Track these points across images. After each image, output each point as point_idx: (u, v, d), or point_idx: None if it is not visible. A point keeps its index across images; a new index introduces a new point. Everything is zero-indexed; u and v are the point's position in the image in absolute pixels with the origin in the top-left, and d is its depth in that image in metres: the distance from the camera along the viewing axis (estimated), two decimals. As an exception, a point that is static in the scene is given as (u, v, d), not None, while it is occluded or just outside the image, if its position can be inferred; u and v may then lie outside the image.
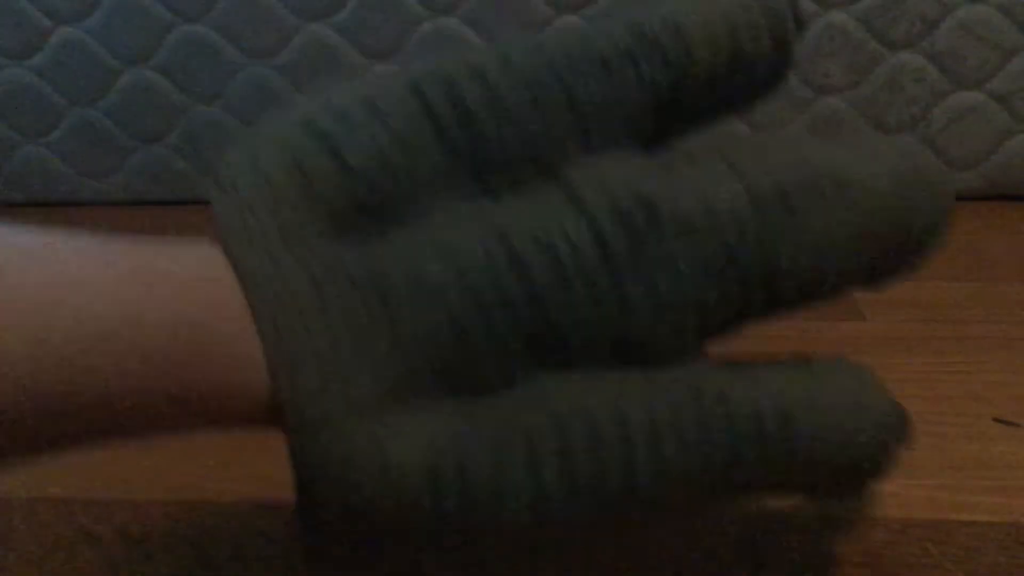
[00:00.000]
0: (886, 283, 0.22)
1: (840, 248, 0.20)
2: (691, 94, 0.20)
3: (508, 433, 0.18)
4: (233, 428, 0.18)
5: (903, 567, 0.23)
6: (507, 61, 0.19)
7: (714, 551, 0.24)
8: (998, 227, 0.48)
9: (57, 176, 0.57)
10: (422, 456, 0.18)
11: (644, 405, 0.19)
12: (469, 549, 0.19)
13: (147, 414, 0.17)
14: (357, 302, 0.18)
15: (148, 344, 0.16)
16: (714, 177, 0.19)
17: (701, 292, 0.19)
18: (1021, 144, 0.50)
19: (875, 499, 0.26)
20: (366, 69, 0.52)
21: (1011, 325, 0.36)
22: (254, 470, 0.27)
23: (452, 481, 0.18)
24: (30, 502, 0.27)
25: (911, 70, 0.49)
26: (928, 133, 0.50)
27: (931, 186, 0.21)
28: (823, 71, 0.50)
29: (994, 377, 0.32)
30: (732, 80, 0.21)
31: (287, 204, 0.18)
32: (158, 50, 0.53)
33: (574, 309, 0.18)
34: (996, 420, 0.30)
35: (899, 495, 0.26)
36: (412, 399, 0.18)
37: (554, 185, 0.19)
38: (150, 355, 0.16)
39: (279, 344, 0.17)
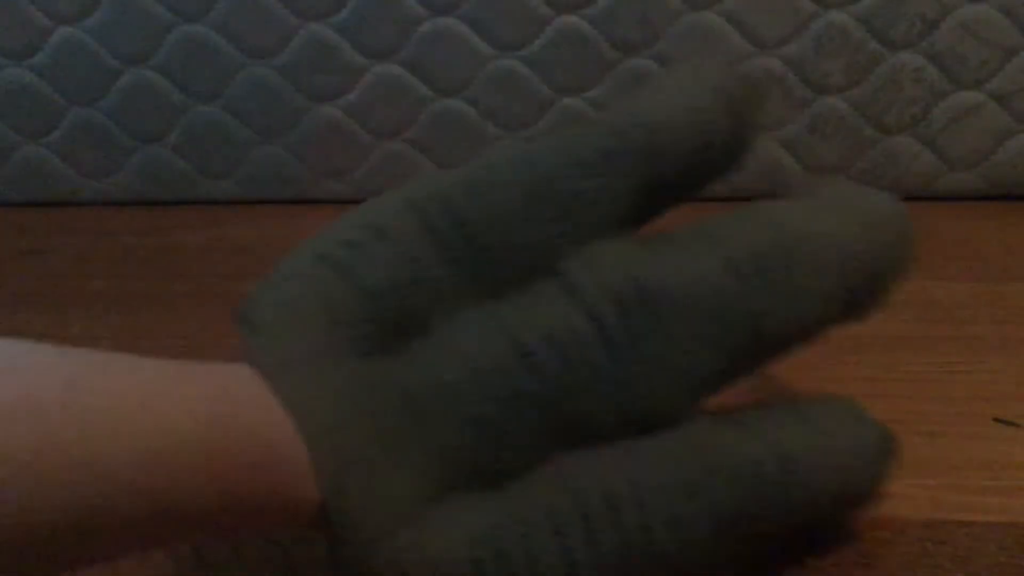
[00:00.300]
0: (860, 318, 0.24)
1: (816, 301, 0.22)
2: (665, 181, 0.22)
3: (536, 514, 0.19)
4: (280, 530, 0.19)
5: (903, 567, 0.23)
6: (498, 174, 0.21)
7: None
8: (998, 227, 0.48)
9: (57, 176, 0.57)
10: (464, 550, 0.19)
11: (654, 468, 0.20)
12: None
13: (213, 518, 0.17)
14: (388, 415, 0.19)
15: (226, 456, 0.17)
16: (696, 251, 0.21)
17: (694, 361, 0.21)
18: (1021, 144, 0.50)
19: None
20: (366, 69, 0.52)
21: (1011, 325, 0.36)
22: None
23: (494, 568, 0.19)
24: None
25: (911, 70, 0.49)
26: (928, 133, 0.50)
27: (894, 233, 0.23)
28: (823, 71, 0.50)
29: (994, 377, 0.32)
30: (702, 163, 0.23)
31: (315, 331, 0.19)
32: (158, 50, 0.53)
33: (582, 393, 0.20)
34: (996, 420, 0.30)
35: (899, 495, 0.26)
36: (446, 496, 0.19)
37: (552, 279, 0.21)
38: (228, 464, 0.17)
39: (325, 462, 0.18)
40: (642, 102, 0.23)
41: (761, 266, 0.21)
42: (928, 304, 0.38)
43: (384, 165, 0.54)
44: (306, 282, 0.19)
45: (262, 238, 0.51)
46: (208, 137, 0.55)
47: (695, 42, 0.50)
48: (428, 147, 0.54)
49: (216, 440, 0.17)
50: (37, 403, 0.15)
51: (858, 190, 0.24)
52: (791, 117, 0.51)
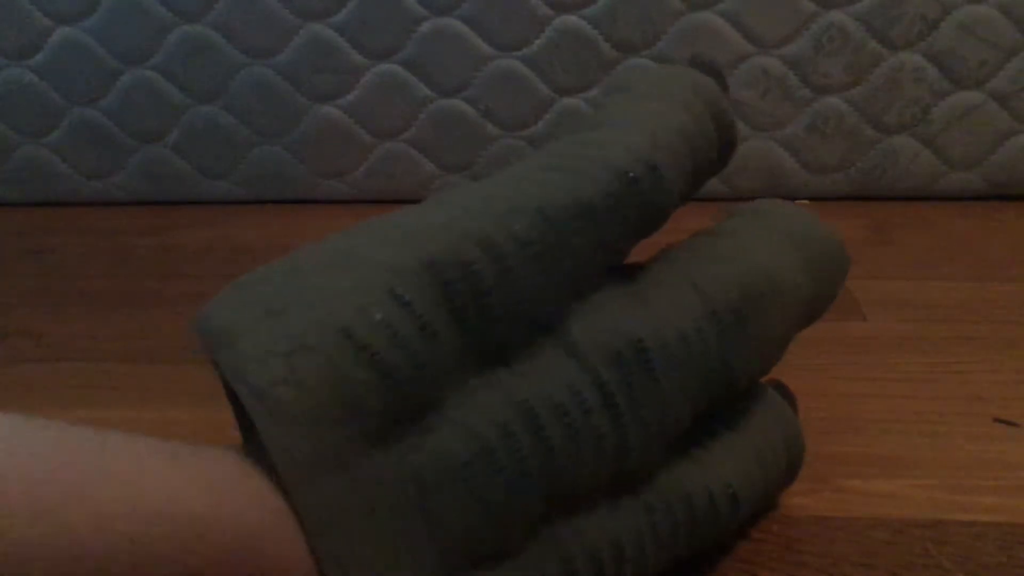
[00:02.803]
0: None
1: (778, 344, 0.24)
2: (666, 209, 0.22)
3: None
4: None
5: (903, 567, 0.23)
6: (514, 232, 0.20)
7: (709, 554, 0.24)
8: (998, 227, 0.48)
9: (57, 176, 0.57)
10: None
11: (630, 525, 0.21)
12: None
13: None
14: (398, 504, 0.19)
15: (229, 546, 0.17)
16: (682, 302, 0.22)
17: (679, 412, 0.21)
18: (1021, 144, 0.50)
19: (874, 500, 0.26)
20: (366, 69, 0.52)
21: (1011, 325, 0.36)
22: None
23: None
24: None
25: (911, 70, 0.49)
26: (928, 133, 0.50)
27: (838, 271, 0.25)
28: (823, 71, 0.50)
29: (994, 377, 0.32)
30: (697, 179, 0.24)
31: (332, 422, 0.18)
32: (158, 50, 0.53)
33: (584, 462, 0.20)
34: (996, 420, 0.30)
35: (899, 495, 0.26)
36: None
37: (554, 343, 0.21)
38: (229, 556, 0.17)
39: (331, 562, 0.18)
40: (633, 132, 0.22)
41: (738, 315, 0.22)
42: (928, 304, 0.38)
43: (384, 165, 0.54)
44: (330, 366, 0.18)
45: (262, 238, 0.51)
46: (208, 137, 0.55)
47: (695, 42, 0.50)
48: (428, 147, 0.54)
49: (213, 532, 0.17)
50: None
51: (805, 219, 0.25)
52: (791, 117, 0.51)
